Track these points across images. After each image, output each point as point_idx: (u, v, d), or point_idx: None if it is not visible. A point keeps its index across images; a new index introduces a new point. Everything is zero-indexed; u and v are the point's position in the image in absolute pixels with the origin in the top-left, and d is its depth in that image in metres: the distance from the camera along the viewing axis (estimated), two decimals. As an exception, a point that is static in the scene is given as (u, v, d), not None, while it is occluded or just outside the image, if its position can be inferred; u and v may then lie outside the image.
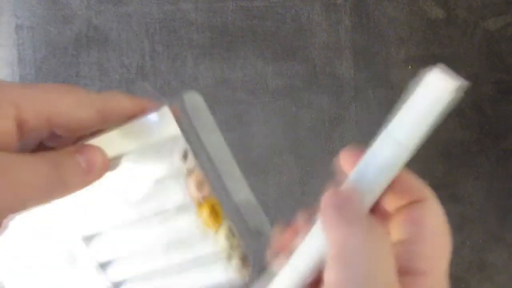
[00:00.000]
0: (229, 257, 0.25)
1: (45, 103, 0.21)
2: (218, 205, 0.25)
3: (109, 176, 0.24)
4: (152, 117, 0.24)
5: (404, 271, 0.21)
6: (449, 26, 0.54)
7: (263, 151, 0.54)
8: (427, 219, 0.23)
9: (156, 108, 0.24)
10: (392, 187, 0.23)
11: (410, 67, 0.54)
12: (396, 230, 0.23)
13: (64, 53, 0.54)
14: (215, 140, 0.25)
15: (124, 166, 0.24)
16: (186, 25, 0.54)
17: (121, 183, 0.24)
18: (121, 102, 0.24)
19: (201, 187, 0.25)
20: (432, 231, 0.23)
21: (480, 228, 0.55)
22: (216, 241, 0.25)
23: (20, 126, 0.21)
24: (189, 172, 0.25)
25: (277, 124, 0.54)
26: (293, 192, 0.54)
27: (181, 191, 0.24)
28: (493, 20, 0.54)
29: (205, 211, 0.24)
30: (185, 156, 0.24)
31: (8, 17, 0.54)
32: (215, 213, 0.25)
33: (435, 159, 0.54)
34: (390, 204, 0.24)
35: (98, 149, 0.24)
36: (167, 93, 0.54)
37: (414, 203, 0.23)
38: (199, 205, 0.25)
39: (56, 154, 0.22)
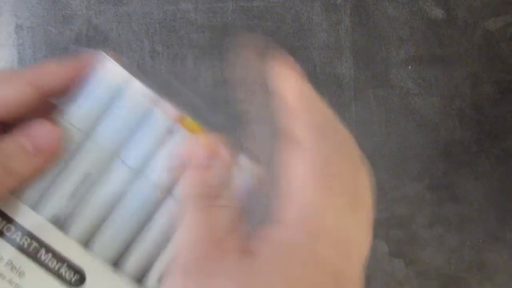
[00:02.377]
0: None
1: None
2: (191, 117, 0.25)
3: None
4: (97, 73, 0.23)
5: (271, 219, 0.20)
6: (449, 26, 0.54)
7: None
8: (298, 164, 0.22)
9: (92, 60, 0.24)
10: None
11: (410, 67, 0.54)
12: None
13: (64, 53, 0.54)
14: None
15: (99, 134, 0.23)
16: (186, 25, 0.54)
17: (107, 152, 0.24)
18: (53, 68, 0.23)
19: (172, 107, 0.24)
20: (302, 178, 0.21)
21: (480, 228, 0.55)
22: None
23: None
24: (155, 102, 0.24)
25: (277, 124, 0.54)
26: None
27: (160, 117, 0.24)
28: (493, 20, 0.54)
29: (188, 121, 0.24)
30: (143, 94, 0.24)
31: (8, 17, 0.54)
32: (197, 123, 0.25)
33: (435, 159, 0.54)
34: None
35: (46, 124, 0.22)
36: (166, 93, 0.54)
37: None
38: (181, 120, 0.24)
39: None
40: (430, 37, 0.54)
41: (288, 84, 0.20)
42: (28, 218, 0.23)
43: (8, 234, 0.22)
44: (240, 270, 0.18)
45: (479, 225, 0.55)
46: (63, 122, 0.23)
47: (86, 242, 0.24)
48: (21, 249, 0.22)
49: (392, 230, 0.54)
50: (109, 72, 0.24)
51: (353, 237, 0.20)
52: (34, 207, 0.23)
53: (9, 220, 0.23)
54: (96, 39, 0.54)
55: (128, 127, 0.23)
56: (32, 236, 0.23)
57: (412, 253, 0.54)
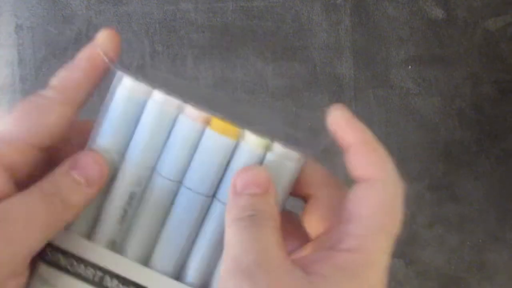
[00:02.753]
0: (268, 148, 0.24)
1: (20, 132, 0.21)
2: (223, 118, 0.24)
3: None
4: (116, 92, 0.23)
5: (334, 248, 0.21)
6: (449, 26, 0.54)
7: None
8: (365, 198, 0.22)
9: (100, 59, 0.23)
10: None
11: (410, 67, 0.54)
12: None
13: (64, 53, 0.54)
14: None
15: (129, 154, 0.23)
16: (186, 25, 0.54)
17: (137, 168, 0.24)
18: (75, 77, 0.24)
19: (197, 110, 0.24)
20: (369, 210, 0.22)
21: (480, 228, 0.55)
22: (246, 142, 0.24)
23: (8, 169, 0.21)
24: (179, 108, 0.24)
25: (277, 124, 0.54)
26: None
27: (187, 123, 0.23)
28: (493, 20, 0.54)
29: (216, 121, 0.23)
30: (166, 103, 0.23)
31: (8, 17, 0.54)
32: (226, 122, 0.24)
33: (435, 159, 0.54)
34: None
35: (92, 155, 0.23)
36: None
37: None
38: (207, 122, 0.24)
39: (51, 180, 0.22)
40: (430, 37, 0.54)
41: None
42: (86, 249, 0.23)
43: (71, 269, 0.23)
44: (302, 283, 0.19)
45: (479, 225, 0.55)
46: (98, 148, 0.23)
47: (146, 260, 0.24)
48: (88, 281, 0.23)
49: (392, 230, 0.54)
50: (128, 89, 0.23)
51: None
52: (89, 236, 0.24)
53: (70, 255, 0.23)
54: (96, 39, 0.54)
55: (158, 139, 0.23)
56: (94, 266, 0.23)
57: (412, 253, 0.54)
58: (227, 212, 0.22)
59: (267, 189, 0.22)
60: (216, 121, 0.24)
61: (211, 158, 0.23)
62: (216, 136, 0.23)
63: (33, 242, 0.20)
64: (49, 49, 0.54)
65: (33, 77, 0.54)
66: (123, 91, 0.23)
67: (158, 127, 0.23)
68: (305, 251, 0.24)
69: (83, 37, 0.54)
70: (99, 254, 0.23)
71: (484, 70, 0.54)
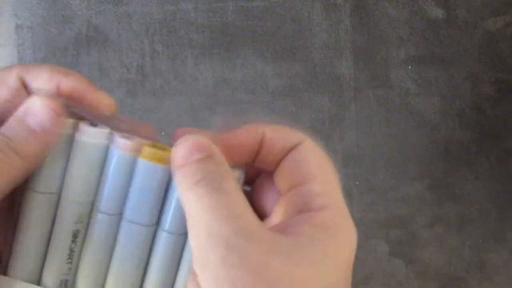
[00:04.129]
0: None
1: None
2: (157, 143, 0.23)
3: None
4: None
5: (306, 210, 0.21)
6: (449, 26, 0.54)
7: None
8: (308, 159, 0.22)
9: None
10: (264, 148, 0.22)
11: (410, 67, 0.54)
12: (286, 181, 0.22)
13: (64, 53, 0.54)
14: None
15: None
16: (186, 25, 0.54)
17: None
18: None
19: (128, 136, 0.23)
20: (317, 168, 0.22)
21: (480, 228, 0.55)
22: None
23: None
24: (108, 139, 0.23)
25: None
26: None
27: (115, 152, 0.22)
28: (493, 20, 0.54)
29: (146, 149, 0.22)
30: (93, 135, 0.22)
31: (8, 17, 0.54)
32: (159, 147, 0.23)
33: (435, 159, 0.54)
34: (272, 164, 0.23)
35: (40, 101, 0.21)
36: (167, 93, 0.54)
37: (291, 150, 0.23)
38: (138, 150, 0.22)
39: (2, 131, 0.21)
40: (430, 37, 0.54)
41: None
42: None
43: None
44: (289, 246, 0.19)
45: (479, 225, 0.55)
46: (34, 193, 0.23)
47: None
48: None
49: (392, 230, 0.54)
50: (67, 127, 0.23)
51: None
52: (39, 281, 0.23)
53: None
54: (96, 39, 0.54)
55: (91, 173, 0.23)
56: None
57: (412, 253, 0.54)
58: (178, 186, 0.20)
59: (210, 152, 0.20)
60: (147, 149, 0.22)
61: (146, 188, 0.22)
62: (148, 164, 0.22)
63: None
64: (49, 49, 0.54)
65: (33, 77, 0.54)
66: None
67: (88, 161, 0.23)
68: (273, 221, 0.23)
69: (83, 37, 0.54)
70: None
71: (484, 70, 0.54)
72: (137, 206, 0.23)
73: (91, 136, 0.22)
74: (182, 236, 0.23)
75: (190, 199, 0.20)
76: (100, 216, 0.23)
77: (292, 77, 0.54)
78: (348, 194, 0.54)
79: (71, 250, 0.23)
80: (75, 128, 0.23)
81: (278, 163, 0.23)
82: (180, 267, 0.24)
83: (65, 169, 0.23)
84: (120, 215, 0.23)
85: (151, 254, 0.23)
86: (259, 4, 0.54)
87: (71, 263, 0.23)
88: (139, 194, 0.22)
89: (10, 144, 0.20)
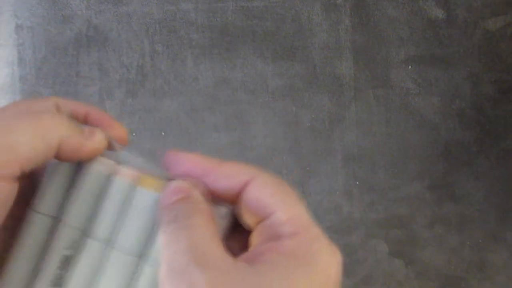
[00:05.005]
0: None
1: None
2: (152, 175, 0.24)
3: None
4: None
5: (275, 238, 0.21)
6: (449, 26, 0.54)
7: (263, 151, 0.54)
8: (264, 193, 0.22)
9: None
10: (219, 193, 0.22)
11: (410, 67, 0.54)
12: (251, 218, 0.22)
13: (64, 53, 0.54)
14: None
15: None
16: (186, 25, 0.54)
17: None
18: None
19: (130, 167, 0.24)
20: (276, 197, 0.22)
21: (480, 228, 0.55)
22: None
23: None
24: (110, 169, 0.24)
25: (277, 124, 0.54)
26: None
27: (118, 183, 0.23)
28: (493, 20, 0.54)
29: (147, 180, 0.23)
30: (98, 164, 0.24)
31: (8, 17, 0.54)
32: (154, 179, 0.24)
33: (435, 159, 0.54)
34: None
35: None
36: (167, 93, 0.54)
37: (243, 189, 0.22)
38: (140, 181, 0.23)
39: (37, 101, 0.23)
40: (430, 37, 0.54)
41: None
42: None
43: None
44: (250, 275, 0.19)
45: (479, 225, 0.55)
46: (34, 212, 0.23)
47: None
48: None
49: (392, 230, 0.54)
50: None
51: None
52: None
53: None
54: (96, 39, 0.54)
55: (91, 200, 0.23)
56: None
57: (412, 253, 0.54)
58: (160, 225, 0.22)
59: (188, 194, 0.21)
60: (147, 179, 0.23)
61: (137, 217, 0.23)
62: (146, 192, 0.23)
63: (20, 150, 0.21)
64: (49, 49, 0.54)
65: (33, 77, 0.54)
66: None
67: (94, 188, 0.24)
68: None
69: (83, 37, 0.54)
70: None
71: (484, 70, 0.54)
72: (127, 236, 0.23)
73: (101, 165, 0.23)
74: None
75: (161, 237, 0.21)
76: (90, 242, 0.24)
77: (292, 77, 0.54)
78: (348, 194, 0.54)
79: (60, 276, 0.24)
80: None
81: (234, 202, 0.23)
82: None
83: (68, 193, 0.24)
84: (109, 242, 0.24)
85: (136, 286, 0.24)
86: (259, 4, 0.54)
87: (59, 286, 0.24)
88: (130, 223, 0.23)
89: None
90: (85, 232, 0.24)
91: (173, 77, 0.54)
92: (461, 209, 0.54)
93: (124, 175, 0.23)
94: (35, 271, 0.24)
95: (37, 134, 0.21)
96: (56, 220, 0.24)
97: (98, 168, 0.23)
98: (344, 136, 0.54)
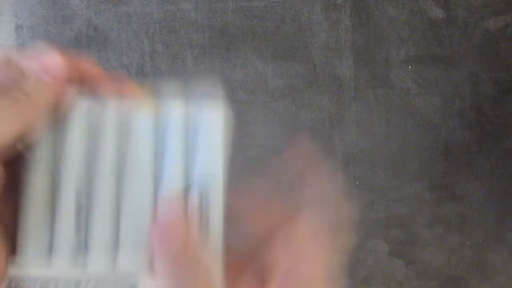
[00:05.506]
0: None
1: None
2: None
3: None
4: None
5: None
6: (449, 26, 0.54)
7: (263, 151, 0.54)
8: (294, 244, 0.21)
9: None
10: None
11: (410, 67, 0.54)
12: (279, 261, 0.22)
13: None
14: None
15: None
16: (186, 25, 0.54)
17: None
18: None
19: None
20: (308, 250, 0.21)
21: (480, 228, 0.55)
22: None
23: None
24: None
25: (277, 124, 0.54)
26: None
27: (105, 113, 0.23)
28: (493, 20, 0.54)
29: (146, 102, 0.24)
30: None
31: (8, 17, 0.54)
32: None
33: (435, 159, 0.54)
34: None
35: (50, 51, 0.22)
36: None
37: (283, 226, 0.22)
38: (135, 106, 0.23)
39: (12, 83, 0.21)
40: (430, 37, 0.54)
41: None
42: (50, 269, 0.23)
43: None
44: None
45: (479, 225, 0.55)
46: (35, 161, 0.23)
47: (113, 250, 0.23)
48: None
49: (392, 230, 0.54)
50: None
51: None
52: (49, 258, 0.23)
53: (34, 279, 0.22)
54: (96, 39, 0.54)
55: (87, 131, 0.23)
56: (65, 280, 0.23)
57: (412, 253, 0.55)
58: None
59: (184, 239, 0.21)
60: (145, 103, 0.24)
61: (138, 140, 0.24)
62: (143, 116, 0.24)
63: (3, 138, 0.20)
64: (49, 49, 0.54)
65: (33, 77, 0.54)
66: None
67: (88, 120, 0.24)
68: None
69: (83, 37, 0.54)
70: (65, 268, 0.23)
71: (484, 70, 0.54)
72: (136, 159, 0.23)
73: (90, 102, 0.23)
74: None
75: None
76: (102, 176, 0.24)
77: (292, 77, 0.54)
78: (348, 194, 0.54)
79: (77, 211, 0.23)
80: (77, 96, 0.24)
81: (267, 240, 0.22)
82: None
83: (65, 137, 0.24)
84: (121, 174, 0.24)
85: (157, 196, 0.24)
86: (259, 4, 0.54)
87: (79, 232, 0.23)
88: (136, 147, 0.24)
89: (23, 89, 0.21)
90: (92, 170, 0.24)
91: (173, 77, 0.54)
92: (461, 209, 0.54)
93: (114, 107, 0.23)
94: (53, 228, 0.24)
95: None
96: (59, 163, 0.24)
97: (81, 105, 0.23)
98: (344, 136, 0.54)
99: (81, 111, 0.24)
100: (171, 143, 0.24)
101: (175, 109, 0.25)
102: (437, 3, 0.54)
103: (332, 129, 0.54)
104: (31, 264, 0.23)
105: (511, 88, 0.54)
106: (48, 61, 0.22)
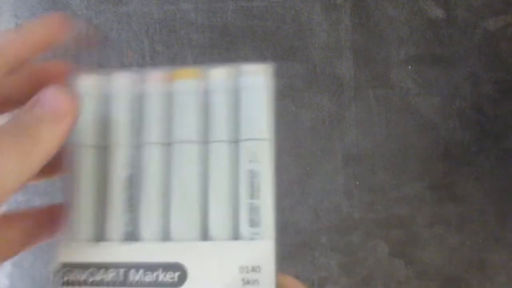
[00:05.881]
0: None
1: None
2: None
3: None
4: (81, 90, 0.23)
5: None
6: (449, 26, 0.54)
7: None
8: None
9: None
10: None
11: (410, 67, 0.54)
12: None
13: (64, 53, 0.54)
14: None
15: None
16: (186, 25, 0.54)
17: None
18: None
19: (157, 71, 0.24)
20: None
21: (480, 228, 0.55)
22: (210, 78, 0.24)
23: None
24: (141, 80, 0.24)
25: (277, 124, 0.54)
26: (293, 192, 0.54)
27: (155, 89, 0.23)
28: (493, 20, 0.54)
29: (179, 72, 0.24)
30: (127, 81, 0.24)
31: (8, 17, 0.54)
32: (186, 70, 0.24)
33: (435, 159, 0.54)
34: None
35: (56, 89, 0.21)
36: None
37: None
38: (173, 77, 0.23)
39: (11, 120, 0.20)
40: (430, 37, 0.54)
41: None
42: (101, 251, 0.22)
43: (93, 279, 0.22)
44: None
45: (479, 225, 0.55)
46: (82, 147, 0.23)
47: (165, 235, 0.23)
48: (112, 284, 0.22)
49: (392, 230, 0.54)
50: (89, 85, 0.24)
51: None
52: (101, 237, 0.23)
53: (86, 265, 0.22)
54: (96, 39, 0.54)
55: (132, 115, 0.23)
56: (114, 265, 0.22)
57: (412, 253, 0.54)
58: None
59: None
60: (180, 72, 0.24)
61: (186, 106, 0.23)
62: (182, 83, 0.23)
63: (6, 182, 0.18)
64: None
65: (33, 77, 0.54)
66: (86, 87, 0.24)
67: (129, 105, 0.23)
68: None
69: (83, 37, 0.54)
70: (116, 251, 0.22)
71: (484, 70, 0.54)
72: (183, 126, 0.23)
73: (124, 83, 0.23)
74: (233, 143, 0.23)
75: None
76: (150, 149, 0.23)
77: (292, 77, 0.54)
78: (348, 194, 0.54)
79: (130, 197, 0.23)
80: (108, 80, 0.24)
81: None
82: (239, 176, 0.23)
83: (106, 119, 0.23)
84: (168, 143, 0.23)
85: (209, 174, 0.23)
86: (259, 4, 0.54)
87: (131, 212, 0.23)
88: (181, 113, 0.23)
89: (27, 131, 0.20)
90: (139, 146, 0.23)
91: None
92: (461, 209, 0.54)
93: (154, 80, 0.23)
94: (104, 207, 0.23)
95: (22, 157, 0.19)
96: (107, 146, 0.23)
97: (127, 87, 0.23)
98: (344, 136, 0.54)
99: (124, 82, 0.23)
100: (216, 108, 0.23)
101: (219, 74, 0.24)
102: (437, 3, 0.54)
103: (332, 129, 0.54)
104: (81, 250, 0.23)
105: (511, 88, 0.54)
106: (55, 103, 0.21)
